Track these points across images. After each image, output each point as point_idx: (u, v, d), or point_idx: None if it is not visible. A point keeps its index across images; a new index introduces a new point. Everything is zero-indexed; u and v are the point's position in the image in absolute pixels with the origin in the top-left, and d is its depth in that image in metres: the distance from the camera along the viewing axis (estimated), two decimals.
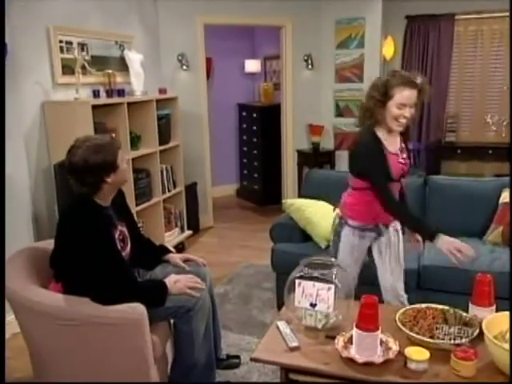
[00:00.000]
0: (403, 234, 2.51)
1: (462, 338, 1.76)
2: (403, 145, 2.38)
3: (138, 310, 2.03)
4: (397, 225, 2.47)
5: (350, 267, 2.38)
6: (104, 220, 2.15)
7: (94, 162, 2.05)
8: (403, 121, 2.20)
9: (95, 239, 2.06)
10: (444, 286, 2.84)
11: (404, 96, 2.15)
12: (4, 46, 2.86)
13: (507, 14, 4.98)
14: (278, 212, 4.69)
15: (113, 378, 2.11)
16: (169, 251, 2.58)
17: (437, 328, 1.84)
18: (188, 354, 2.28)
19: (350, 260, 2.42)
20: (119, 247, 2.21)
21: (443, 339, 1.80)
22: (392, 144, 2.30)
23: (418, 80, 2.19)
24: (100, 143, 2.10)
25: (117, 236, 2.23)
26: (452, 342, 1.78)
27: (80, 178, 2.08)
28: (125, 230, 2.32)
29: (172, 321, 2.30)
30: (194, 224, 5.06)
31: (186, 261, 2.52)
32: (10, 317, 2.42)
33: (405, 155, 2.37)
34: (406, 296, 2.49)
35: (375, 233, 2.43)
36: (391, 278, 2.45)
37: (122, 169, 2.17)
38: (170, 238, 4.48)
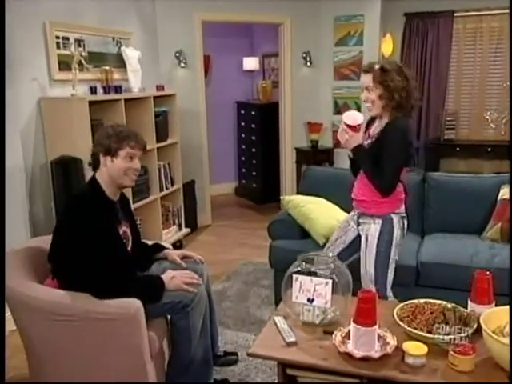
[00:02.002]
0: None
1: (461, 338, 1.74)
2: (376, 132, 2.44)
3: (133, 305, 2.01)
4: (369, 230, 2.47)
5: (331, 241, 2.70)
6: (110, 212, 2.17)
7: (99, 136, 2.23)
8: (366, 103, 2.40)
9: (98, 229, 2.07)
10: (442, 283, 2.83)
11: (361, 81, 2.44)
12: (4, 44, 2.84)
13: (506, 11, 4.98)
14: (277, 210, 4.69)
15: (109, 374, 2.09)
16: (163, 248, 2.57)
17: (437, 328, 1.82)
18: (185, 350, 2.26)
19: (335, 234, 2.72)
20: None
21: (443, 339, 1.78)
22: (373, 128, 2.49)
23: (370, 64, 2.38)
24: (116, 129, 2.21)
25: (121, 232, 2.24)
26: (451, 337, 1.76)
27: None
28: (128, 231, 2.33)
29: (169, 317, 2.28)
30: (192, 222, 5.05)
31: (183, 257, 2.52)
32: (6, 314, 2.40)
33: (368, 141, 2.45)
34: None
35: (355, 217, 2.59)
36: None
37: (120, 165, 2.16)
38: (168, 236, 4.47)
